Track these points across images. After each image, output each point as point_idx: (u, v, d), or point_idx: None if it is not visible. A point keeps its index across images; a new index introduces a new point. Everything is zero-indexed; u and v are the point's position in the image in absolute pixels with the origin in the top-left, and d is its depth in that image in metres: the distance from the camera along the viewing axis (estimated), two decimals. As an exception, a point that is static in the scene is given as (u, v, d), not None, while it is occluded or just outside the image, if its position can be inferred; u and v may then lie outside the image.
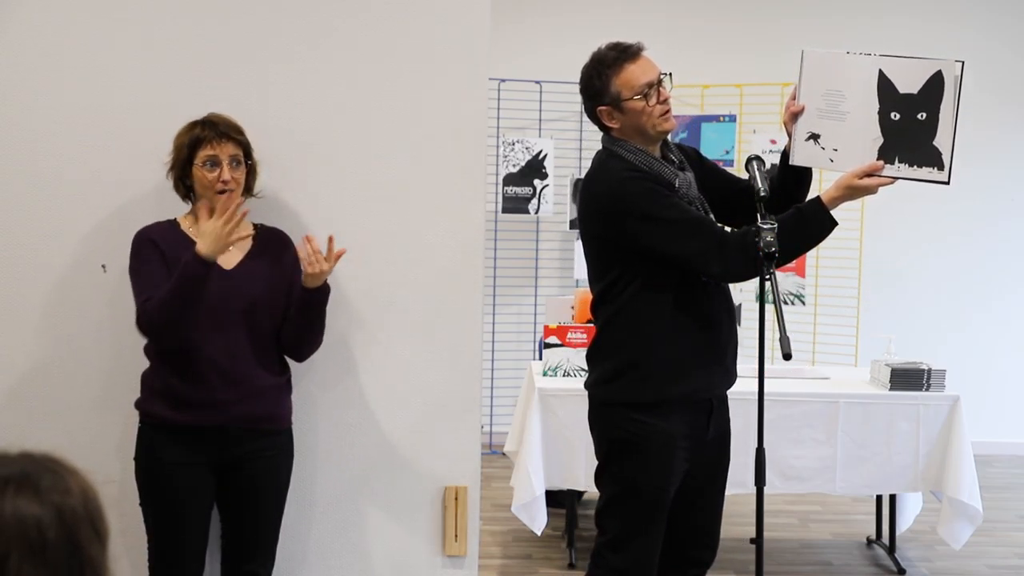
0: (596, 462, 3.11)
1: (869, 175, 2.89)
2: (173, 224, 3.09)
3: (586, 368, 3.15)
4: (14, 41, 3.27)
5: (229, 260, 3.05)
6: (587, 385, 3.10)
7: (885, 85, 2.88)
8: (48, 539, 1.32)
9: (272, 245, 3.13)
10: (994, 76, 6.80)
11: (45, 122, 3.28)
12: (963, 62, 2.84)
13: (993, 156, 6.86)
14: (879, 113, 2.89)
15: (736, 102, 6.54)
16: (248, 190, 3.09)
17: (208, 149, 2.98)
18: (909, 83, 2.87)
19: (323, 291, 3.07)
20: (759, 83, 6.41)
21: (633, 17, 6.73)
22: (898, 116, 2.88)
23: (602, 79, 2.94)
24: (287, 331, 3.10)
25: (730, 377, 3.11)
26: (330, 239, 3.04)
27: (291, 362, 3.20)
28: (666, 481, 2.98)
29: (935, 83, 2.84)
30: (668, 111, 2.95)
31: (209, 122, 3.02)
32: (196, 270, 2.88)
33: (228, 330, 3.01)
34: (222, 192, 2.98)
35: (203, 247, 2.88)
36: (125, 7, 3.29)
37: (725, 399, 3.13)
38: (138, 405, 3.09)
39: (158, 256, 2.99)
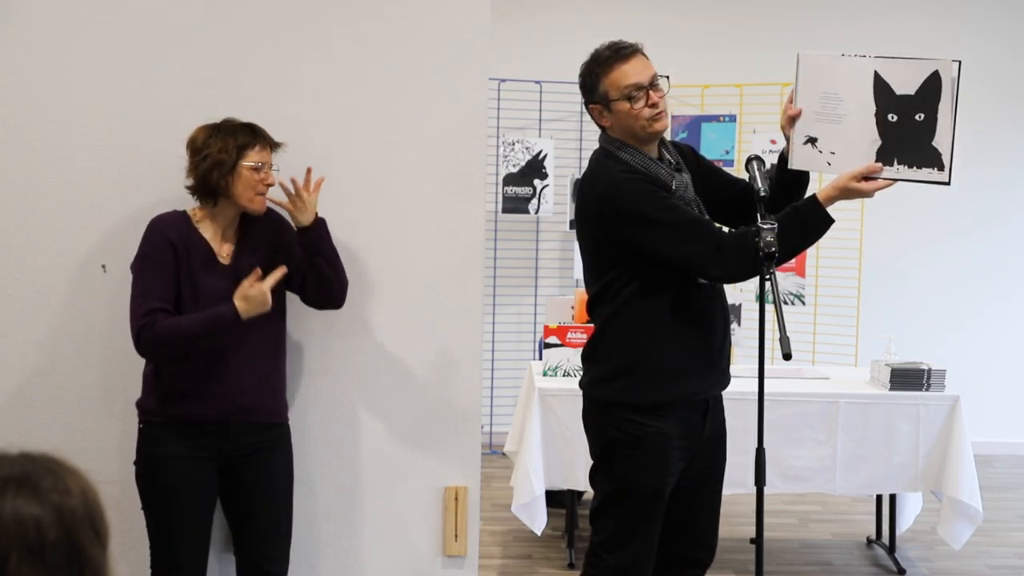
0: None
1: (868, 178, 2.88)
2: (185, 217, 3.09)
3: (586, 368, 3.15)
4: (15, 40, 3.27)
5: (224, 253, 3.07)
6: (582, 384, 3.10)
7: (881, 87, 2.87)
8: (47, 540, 1.32)
9: (261, 226, 3.14)
10: (994, 76, 6.80)
11: (45, 122, 3.28)
12: (960, 62, 2.82)
13: (993, 156, 6.85)
14: (876, 115, 2.88)
15: (736, 102, 6.54)
16: None
17: (258, 154, 3.04)
18: (906, 84, 2.86)
19: (321, 225, 3.12)
20: (759, 83, 6.41)
21: (633, 17, 6.73)
22: (895, 117, 2.87)
23: (593, 78, 2.95)
24: (312, 284, 3.14)
25: (725, 378, 3.11)
26: (308, 171, 3.11)
27: (289, 361, 3.21)
28: (662, 480, 2.98)
29: (932, 83, 2.83)
30: (658, 114, 2.92)
31: (252, 127, 3.06)
32: (231, 325, 2.96)
33: (234, 327, 3.01)
34: (263, 195, 3.05)
35: (244, 310, 2.96)
36: (132, 7, 3.29)
37: (720, 399, 3.13)
38: (139, 404, 3.10)
39: (171, 257, 3.00)
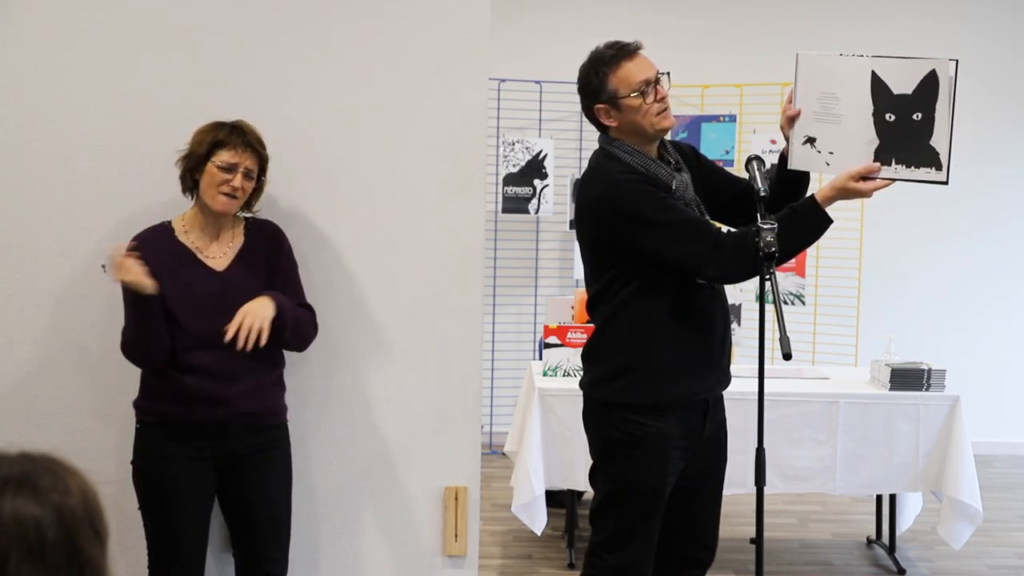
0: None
1: (866, 177, 2.88)
2: (167, 228, 3.09)
3: (586, 368, 3.15)
4: (15, 40, 3.27)
5: (221, 260, 3.06)
6: (583, 384, 3.10)
7: (879, 86, 2.87)
8: (47, 539, 1.32)
9: (263, 239, 3.14)
10: (994, 76, 6.80)
11: (45, 122, 3.28)
12: (957, 61, 2.82)
13: (993, 156, 6.86)
14: (874, 115, 2.88)
15: (736, 102, 6.54)
16: (247, 205, 3.10)
17: (229, 154, 2.99)
18: (903, 83, 2.85)
19: (277, 321, 3.01)
20: (759, 83, 6.41)
21: (633, 17, 6.73)
22: (893, 117, 2.86)
23: (599, 77, 2.94)
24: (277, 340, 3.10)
25: (726, 378, 3.11)
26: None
27: (289, 361, 3.21)
28: (662, 480, 2.98)
29: (929, 83, 2.83)
30: (666, 109, 2.94)
31: (238, 128, 3.02)
32: (134, 300, 2.95)
33: (224, 329, 3.01)
34: (228, 195, 2.99)
35: (117, 277, 2.95)
36: (132, 7, 3.29)
37: (721, 399, 3.13)
38: (136, 404, 3.10)
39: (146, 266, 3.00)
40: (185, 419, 3.02)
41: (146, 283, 2.91)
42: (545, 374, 4.66)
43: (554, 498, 4.86)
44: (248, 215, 3.15)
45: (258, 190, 3.10)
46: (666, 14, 6.86)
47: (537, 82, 6.61)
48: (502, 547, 5.01)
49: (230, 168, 2.99)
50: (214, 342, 2.99)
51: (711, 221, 3.04)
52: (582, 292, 3.89)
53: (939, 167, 2.85)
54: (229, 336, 2.94)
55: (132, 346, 3.01)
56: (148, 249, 3.01)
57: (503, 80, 6.44)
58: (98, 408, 3.33)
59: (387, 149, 3.37)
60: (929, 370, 4.56)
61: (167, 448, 3.03)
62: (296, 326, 3.09)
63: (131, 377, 3.13)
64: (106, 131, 3.29)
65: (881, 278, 6.81)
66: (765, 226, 2.81)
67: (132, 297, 2.95)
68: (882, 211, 6.43)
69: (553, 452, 4.47)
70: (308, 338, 3.18)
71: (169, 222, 3.11)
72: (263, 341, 2.96)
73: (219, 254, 3.07)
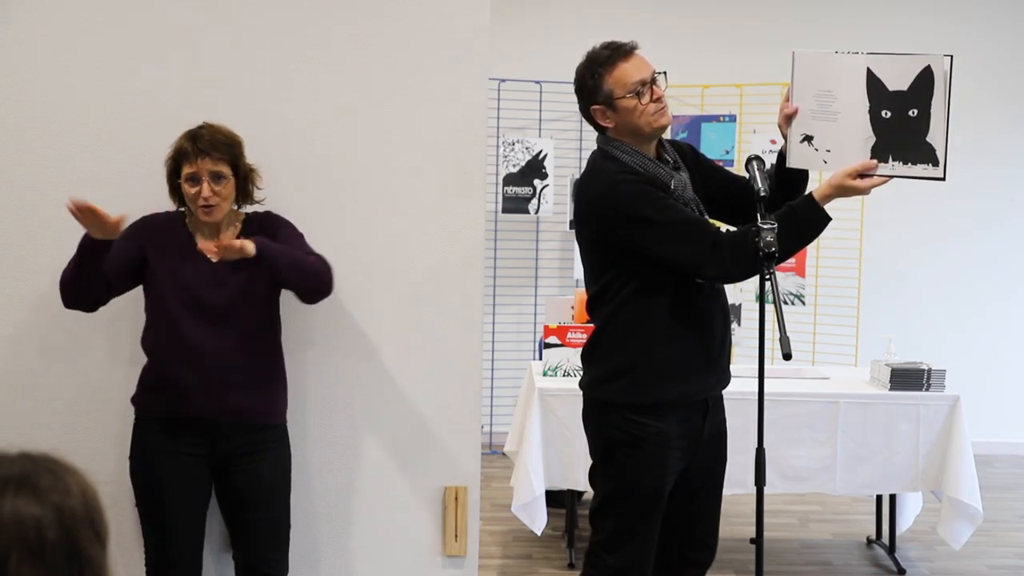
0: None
1: (862, 175, 2.88)
2: (175, 215, 3.10)
3: (586, 368, 3.15)
4: (15, 40, 3.27)
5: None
6: (582, 385, 3.10)
7: (874, 83, 2.86)
8: (47, 540, 1.32)
9: (257, 229, 3.11)
10: (994, 76, 6.80)
11: (45, 122, 3.28)
12: (951, 56, 2.81)
13: (993, 156, 6.85)
14: (870, 112, 2.88)
15: (736, 102, 6.54)
16: (246, 196, 3.09)
17: (188, 166, 2.98)
18: (898, 80, 2.85)
19: (261, 256, 2.92)
20: (759, 83, 6.41)
21: (633, 17, 6.73)
22: (889, 114, 2.86)
23: (595, 78, 2.94)
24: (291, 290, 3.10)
25: (725, 377, 3.11)
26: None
27: (288, 361, 3.20)
28: (662, 480, 2.98)
29: (924, 79, 2.82)
30: (663, 108, 2.94)
31: (193, 135, 3.00)
32: (88, 244, 2.90)
33: (221, 323, 3.02)
34: (205, 207, 2.98)
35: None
36: (132, 7, 3.29)
37: (720, 399, 3.13)
38: (133, 399, 3.11)
39: (135, 240, 3.01)
40: (178, 414, 3.02)
41: (112, 228, 2.85)
42: (545, 374, 4.66)
43: (554, 498, 4.86)
44: (250, 209, 3.14)
45: (245, 182, 3.07)
46: (666, 14, 6.86)
47: (537, 82, 6.61)
48: (502, 547, 5.01)
49: (193, 180, 2.98)
50: (207, 337, 2.99)
51: (710, 220, 3.04)
52: (582, 292, 3.89)
53: (936, 163, 2.85)
54: (202, 246, 2.95)
55: (72, 288, 2.97)
56: (156, 233, 3.03)
57: (503, 80, 6.44)
58: (98, 407, 3.33)
59: (387, 149, 3.37)
60: (929, 370, 4.56)
61: (160, 443, 3.04)
62: (294, 266, 3.00)
63: (132, 377, 3.13)
64: (106, 131, 3.29)
65: (881, 278, 6.81)
66: (765, 226, 2.80)
67: (91, 243, 2.89)
68: (882, 211, 6.43)
69: (553, 452, 4.47)
70: (320, 279, 3.05)
71: (182, 212, 3.10)
72: (227, 257, 2.90)
73: None
